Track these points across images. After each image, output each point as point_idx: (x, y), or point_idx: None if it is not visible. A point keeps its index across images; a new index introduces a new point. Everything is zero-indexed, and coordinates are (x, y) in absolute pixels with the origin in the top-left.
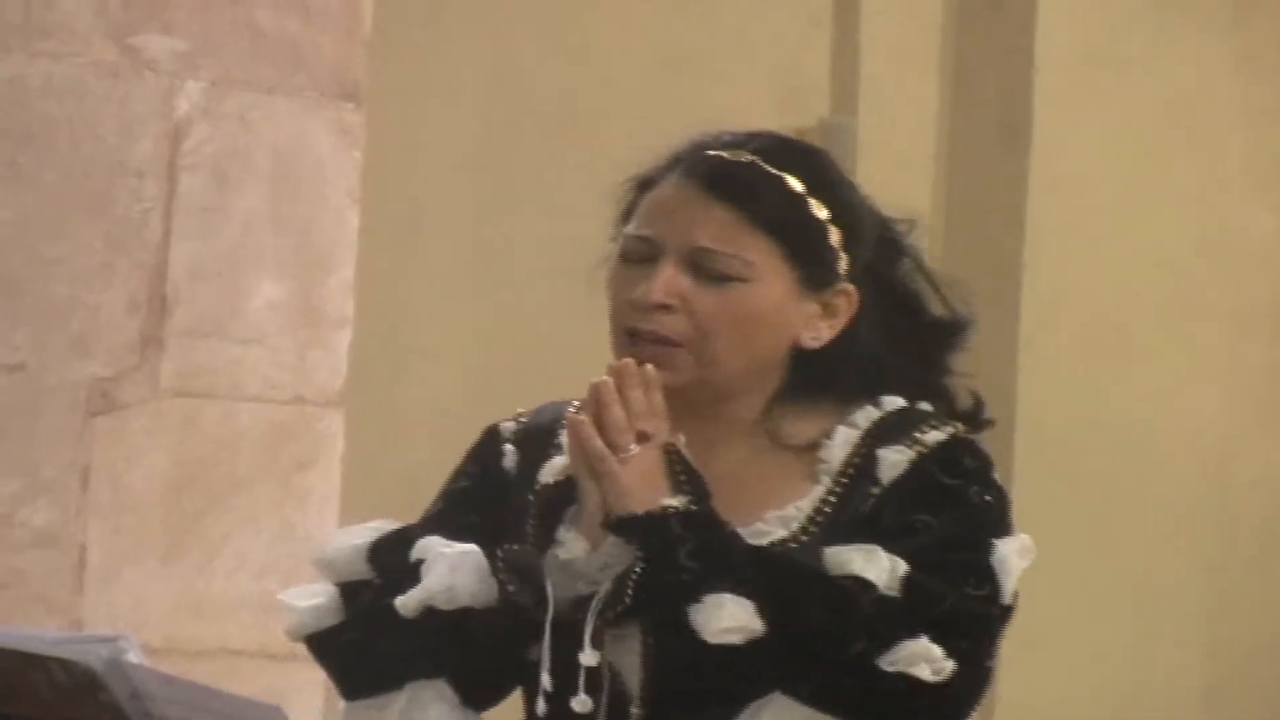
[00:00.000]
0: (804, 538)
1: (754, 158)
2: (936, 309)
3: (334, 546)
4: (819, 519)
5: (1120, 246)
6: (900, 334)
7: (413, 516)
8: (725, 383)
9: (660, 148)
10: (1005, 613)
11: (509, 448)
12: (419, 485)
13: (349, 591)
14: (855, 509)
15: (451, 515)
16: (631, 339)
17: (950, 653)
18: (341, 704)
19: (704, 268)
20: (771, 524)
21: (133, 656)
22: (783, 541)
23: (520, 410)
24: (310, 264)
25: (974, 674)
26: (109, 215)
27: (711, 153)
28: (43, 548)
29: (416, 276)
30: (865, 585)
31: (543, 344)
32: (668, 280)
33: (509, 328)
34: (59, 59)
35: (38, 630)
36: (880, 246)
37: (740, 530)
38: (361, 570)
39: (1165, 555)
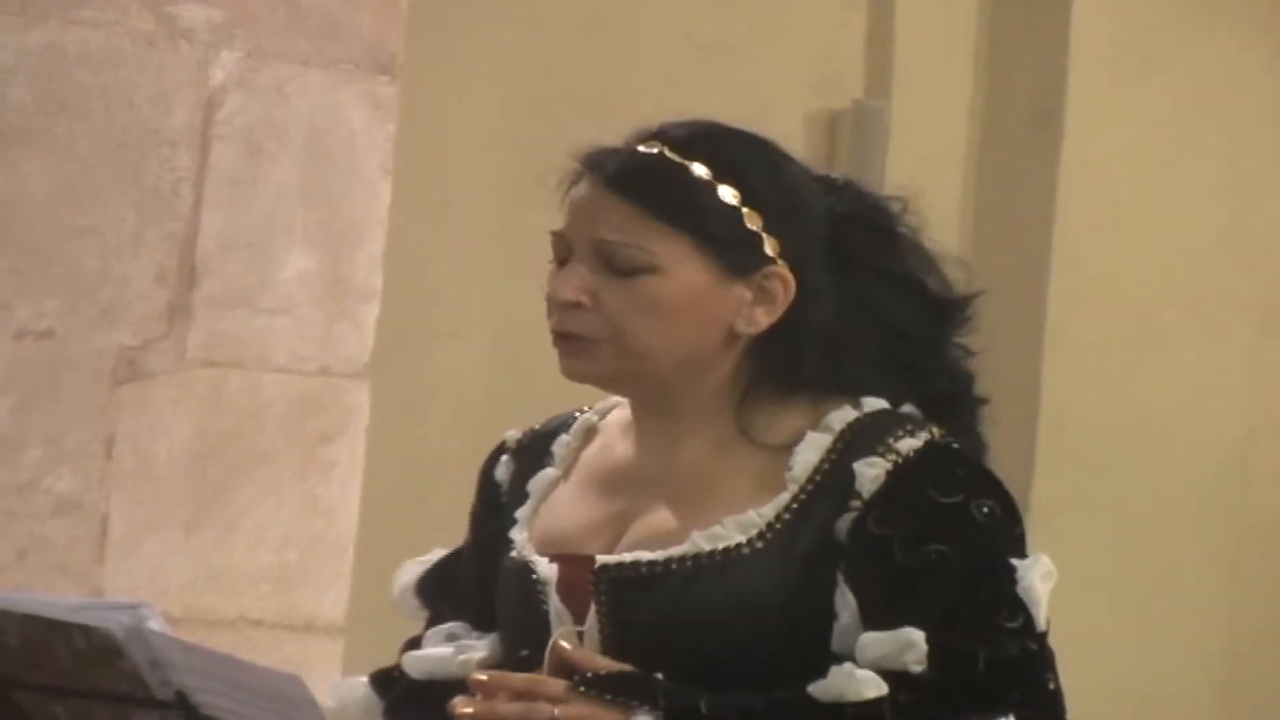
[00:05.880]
0: (759, 544)
1: (661, 148)
2: (937, 288)
3: (397, 587)
4: (778, 526)
5: (1149, 238)
6: (893, 316)
7: (436, 490)
8: (661, 374)
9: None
10: (1043, 640)
11: (505, 459)
12: (442, 460)
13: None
14: (820, 519)
15: (469, 543)
16: (557, 338)
17: (1004, 709)
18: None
19: (611, 261)
20: (729, 529)
21: (153, 624)
22: (738, 547)
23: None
24: (340, 237)
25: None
26: (140, 184)
27: (616, 148)
28: (65, 516)
29: (446, 252)
30: (884, 700)
31: None
32: (575, 277)
33: (537, 307)
34: (95, 27)
35: (58, 597)
36: (850, 226)
37: (697, 534)
38: (413, 608)
39: (1185, 548)
